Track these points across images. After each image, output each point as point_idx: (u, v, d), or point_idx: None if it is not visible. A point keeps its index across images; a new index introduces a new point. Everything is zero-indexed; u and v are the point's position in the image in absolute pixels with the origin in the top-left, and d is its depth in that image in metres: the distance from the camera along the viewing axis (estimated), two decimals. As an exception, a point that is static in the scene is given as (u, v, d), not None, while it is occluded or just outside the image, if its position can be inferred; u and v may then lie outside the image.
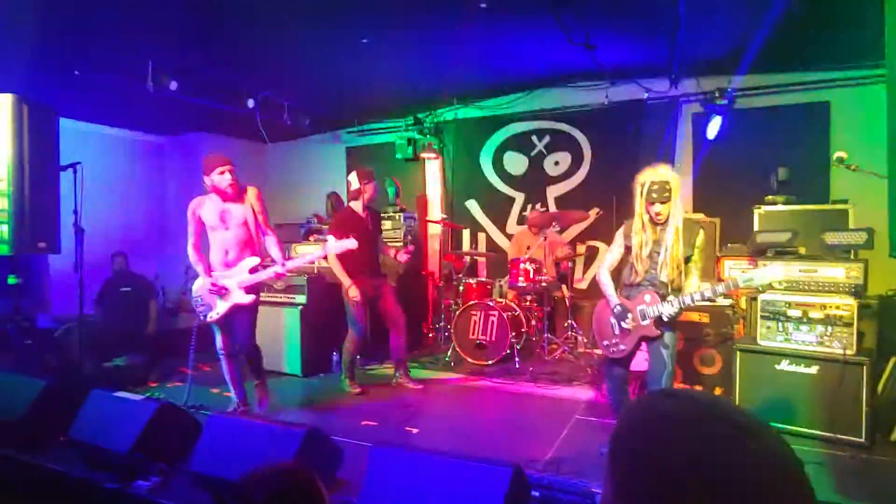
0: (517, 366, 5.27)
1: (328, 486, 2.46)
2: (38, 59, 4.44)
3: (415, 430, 3.80)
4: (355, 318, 4.63)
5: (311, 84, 6.22)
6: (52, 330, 5.33)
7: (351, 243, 3.98)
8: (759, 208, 4.61)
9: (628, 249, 3.15)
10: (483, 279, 6.25)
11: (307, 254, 4.48)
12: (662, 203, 2.96)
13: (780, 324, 3.59)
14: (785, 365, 3.54)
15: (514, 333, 5.39)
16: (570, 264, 6.11)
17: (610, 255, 3.28)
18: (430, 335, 6.41)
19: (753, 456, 0.54)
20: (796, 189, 4.82)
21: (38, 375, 3.93)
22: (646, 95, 6.09)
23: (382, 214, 6.49)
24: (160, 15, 4.23)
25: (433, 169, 7.49)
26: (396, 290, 5.06)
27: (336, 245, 4.05)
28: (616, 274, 3.27)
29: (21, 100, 3.99)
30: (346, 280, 4.53)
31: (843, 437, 3.32)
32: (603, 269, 3.28)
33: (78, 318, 4.51)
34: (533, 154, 6.90)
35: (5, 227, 4.04)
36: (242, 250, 3.90)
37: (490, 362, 5.47)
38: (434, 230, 7.32)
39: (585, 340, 5.90)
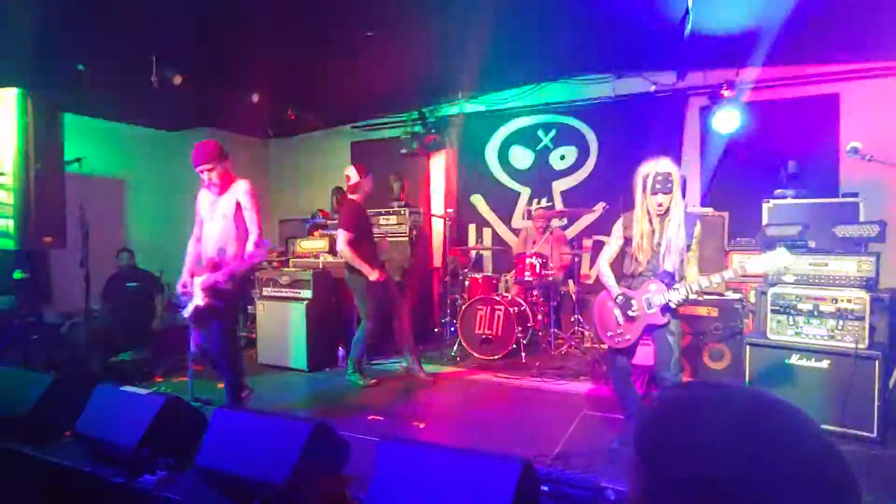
0: (523, 361, 5.24)
1: (336, 481, 2.45)
2: (42, 53, 4.43)
3: (421, 425, 3.79)
4: (372, 310, 4.62)
5: (315, 78, 6.18)
6: (57, 325, 5.33)
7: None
8: (769, 202, 4.56)
9: (627, 241, 3.20)
10: (489, 274, 6.22)
11: (254, 256, 3.74)
12: (665, 194, 3.00)
13: (790, 318, 3.55)
14: (796, 359, 3.50)
15: (520, 328, 5.36)
16: (576, 259, 6.08)
17: (608, 248, 3.32)
18: (437, 330, 6.40)
19: (804, 451, 0.51)
20: (806, 182, 4.77)
21: (45, 370, 3.94)
22: (653, 88, 6.04)
23: (388, 209, 6.49)
24: (164, 8, 4.21)
25: (438, 164, 7.46)
26: (402, 284, 5.05)
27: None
28: (615, 266, 3.30)
29: (26, 94, 3.97)
30: (366, 267, 4.53)
31: (854, 431, 3.28)
32: (602, 261, 3.31)
33: (84, 313, 4.50)
34: (539, 148, 6.86)
35: (11, 222, 4.04)
36: (221, 245, 3.64)
37: (496, 357, 5.45)
38: (439, 225, 7.30)
39: (592, 335, 5.87)
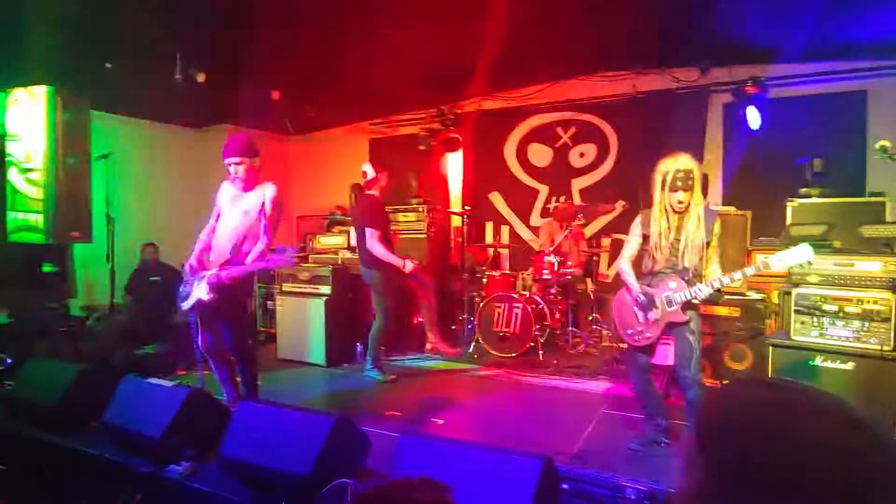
0: (541, 359, 5.24)
1: (357, 475, 2.47)
2: (71, 52, 4.52)
3: (440, 421, 3.80)
4: (392, 309, 4.65)
5: (334, 76, 6.22)
6: (84, 317, 5.45)
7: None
8: (793, 201, 4.49)
9: (646, 239, 3.17)
10: (507, 271, 6.22)
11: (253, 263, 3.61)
12: (686, 191, 2.97)
13: (814, 319, 3.50)
14: (819, 361, 3.44)
15: (537, 326, 5.35)
16: (594, 258, 6.05)
17: (629, 246, 3.29)
18: (454, 327, 6.41)
19: (872, 453, 0.52)
20: (831, 181, 4.69)
21: (72, 362, 4.03)
22: (675, 85, 5.97)
23: (405, 206, 6.52)
24: (189, 8, 4.27)
25: (456, 161, 7.46)
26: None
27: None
28: (635, 264, 3.28)
29: (56, 92, 4.06)
30: (399, 260, 4.58)
31: (879, 435, 3.23)
32: (623, 260, 3.29)
33: (110, 306, 4.59)
34: (558, 145, 6.83)
35: (40, 217, 4.14)
36: (236, 242, 3.56)
37: (513, 355, 5.44)
38: (457, 222, 7.30)
39: (610, 334, 5.83)
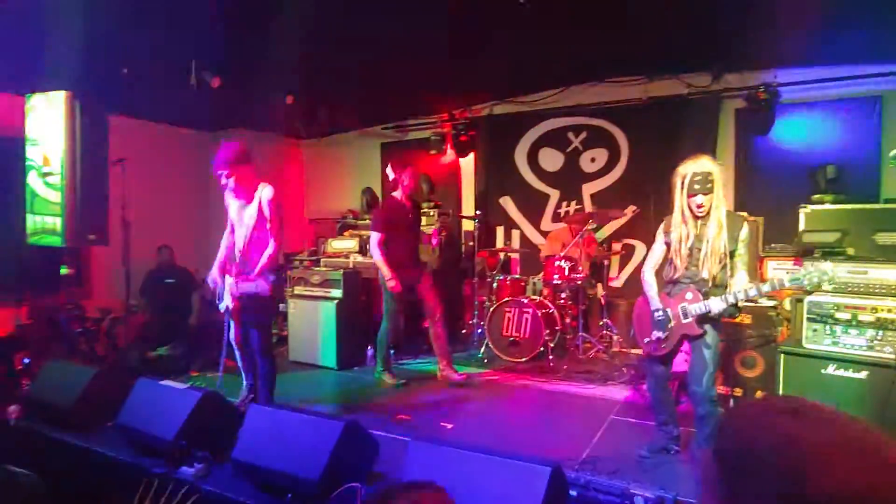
0: (551, 364, 5.23)
1: (366, 479, 2.50)
2: (88, 57, 4.60)
3: (449, 426, 3.82)
4: (393, 310, 4.68)
5: (346, 81, 6.27)
6: (99, 319, 5.53)
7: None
8: (806, 207, 4.45)
9: (669, 246, 3.10)
10: (517, 276, 6.22)
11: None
12: (705, 195, 2.88)
13: (827, 326, 3.47)
14: (832, 369, 3.41)
15: (547, 331, 5.35)
16: (605, 263, 6.04)
17: (653, 254, 3.23)
18: (465, 331, 6.43)
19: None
20: (845, 187, 4.65)
21: (88, 363, 4.10)
22: (686, 90, 5.95)
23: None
24: (203, 12, 4.32)
25: (467, 165, 7.48)
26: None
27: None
28: (658, 272, 3.23)
29: (74, 96, 4.14)
30: (387, 272, 4.56)
31: (893, 445, 3.19)
32: (647, 269, 3.22)
33: (125, 308, 4.66)
34: (569, 150, 6.83)
35: (58, 220, 4.21)
36: (245, 257, 3.62)
37: (523, 360, 5.44)
38: (468, 227, 7.32)
39: (620, 340, 5.82)
